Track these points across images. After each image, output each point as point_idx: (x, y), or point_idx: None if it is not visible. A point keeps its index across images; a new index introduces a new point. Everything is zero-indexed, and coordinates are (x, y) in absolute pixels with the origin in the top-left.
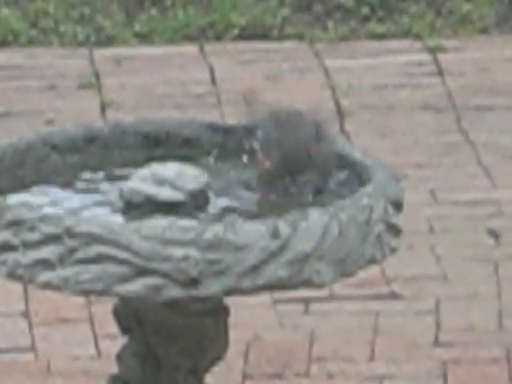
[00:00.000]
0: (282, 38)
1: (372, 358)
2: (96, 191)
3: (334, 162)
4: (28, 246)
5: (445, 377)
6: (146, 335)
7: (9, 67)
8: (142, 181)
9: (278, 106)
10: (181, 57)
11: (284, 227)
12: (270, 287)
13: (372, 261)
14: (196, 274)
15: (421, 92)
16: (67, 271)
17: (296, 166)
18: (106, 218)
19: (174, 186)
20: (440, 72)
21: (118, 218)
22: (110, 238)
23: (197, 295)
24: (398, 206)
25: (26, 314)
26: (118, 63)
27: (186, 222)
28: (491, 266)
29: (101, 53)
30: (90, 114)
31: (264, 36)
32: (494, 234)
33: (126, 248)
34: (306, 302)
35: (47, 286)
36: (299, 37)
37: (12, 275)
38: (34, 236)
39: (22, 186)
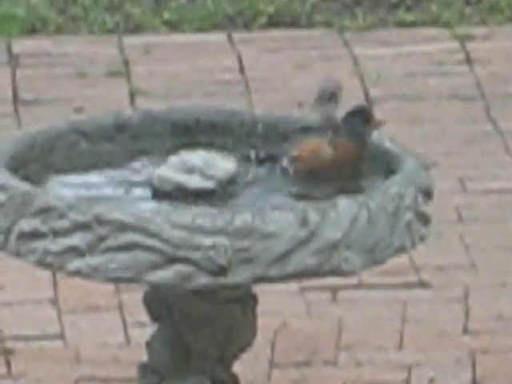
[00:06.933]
0: (310, 25)
1: (400, 346)
2: (126, 179)
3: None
4: (57, 233)
5: (473, 365)
6: (176, 323)
7: (38, 55)
8: (172, 169)
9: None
10: (209, 45)
11: (313, 215)
12: (299, 275)
13: (401, 249)
14: (225, 262)
15: (449, 80)
16: (97, 259)
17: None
18: (136, 206)
19: (203, 173)
20: (469, 60)
21: (148, 206)
22: (140, 225)
23: (225, 283)
24: (427, 194)
25: (54, 302)
26: (146, 51)
27: (215, 211)
28: None
29: (130, 40)
30: (118, 101)
31: (292, 24)
32: None
33: (156, 236)
34: (334, 290)
35: (77, 273)
36: (328, 25)
37: (41, 263)
38: (63, 224)
39: (52, 173)
